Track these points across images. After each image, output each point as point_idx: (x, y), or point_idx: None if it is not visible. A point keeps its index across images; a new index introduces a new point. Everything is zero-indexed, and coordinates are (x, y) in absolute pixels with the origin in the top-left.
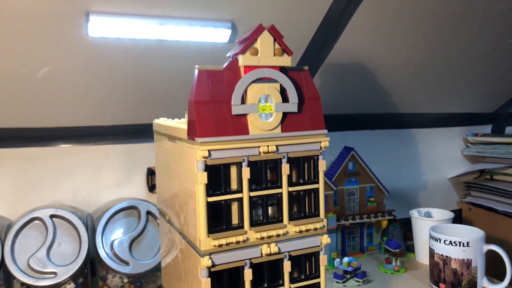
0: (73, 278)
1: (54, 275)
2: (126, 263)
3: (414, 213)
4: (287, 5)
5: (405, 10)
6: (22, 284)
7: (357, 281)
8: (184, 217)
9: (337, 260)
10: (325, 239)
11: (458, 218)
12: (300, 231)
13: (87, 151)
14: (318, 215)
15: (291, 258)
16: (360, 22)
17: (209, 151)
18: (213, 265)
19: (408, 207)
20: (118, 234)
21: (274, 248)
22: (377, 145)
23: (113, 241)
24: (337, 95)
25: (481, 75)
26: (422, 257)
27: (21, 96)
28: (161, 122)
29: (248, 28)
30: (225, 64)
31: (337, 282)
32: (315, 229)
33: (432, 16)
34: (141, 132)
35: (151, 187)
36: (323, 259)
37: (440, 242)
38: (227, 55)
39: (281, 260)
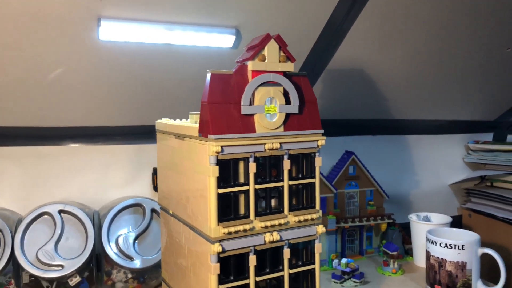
0: (79, 271)
1: (61, 268)
2: (131, 258)
3: (412, 217)
4: (290, 11)
5: (405, 19)
6: (31, 276)
7: (354, 281)
8: (193, 209)
9: (336, 261)
10: (320, 229)
11: (459, 224)
12: (299, 221)
13: (96, 151)
14: (314, 206)
15: (290, 245)
16: (361, 29)
17: (222, 147)
18: (223, 251)
19: (408, 212)
20: (123, 230)
21: (276, 236)
22: (379, 150)
23: (118, 237)
24: (339, 101)
25: (481, 83)
26: (420, 260)
27: (34, 96)
28: (166, 121)
29: (251, 34)
30: (234, 69)
31: (335, 282)
32: (312, 219)
33: (432, 25)
34: (148, 133)
35: (156, 187)
36: (318, 247)
37: (436, 245)
38: (236, 61)
39: (282, 247)
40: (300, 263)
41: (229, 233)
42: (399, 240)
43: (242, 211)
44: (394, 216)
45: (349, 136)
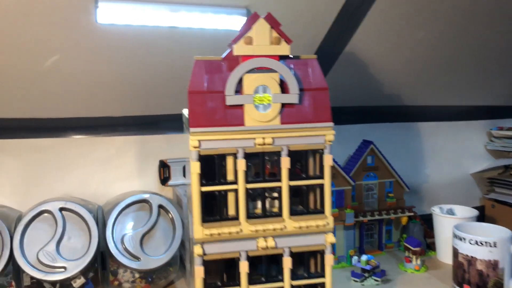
0: (83, 273)
1: (63, 270)
2: (137, 258)
3: (435, 210)
4: None
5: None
6: (32, 278)
7: (375, 280)
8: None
9: (355, 258)
10: (330, 238)
11: (481, 215)
12: (300, 227)
13: (98, 142)
14: (323, 212)
15: (292, 254)
16: (382, 10)
17: (199, 141)
18: (205, 254)
19: (428, 203)
20: (128, 229)
21: (271, 242)
22: (397, 138)
23: (123, 236)
24: (356, 86)
25: (504, 66)
26: (444, 255)
27: (30, 86)
28: (184, 112)
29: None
30: (224, 54)
31: (355, 280)
32: (317, 226)
33: (459, 5)
34: (154, 124)
35: (163, 180)
36: (328, 259)
37: (464, 242)
38: (228, 44)
39: (281, 255)
40: (306, 275)
41: (212, 235)
42: (421, 234)
43: (231, 212)
44: (414, 208)
45: (366, 123)
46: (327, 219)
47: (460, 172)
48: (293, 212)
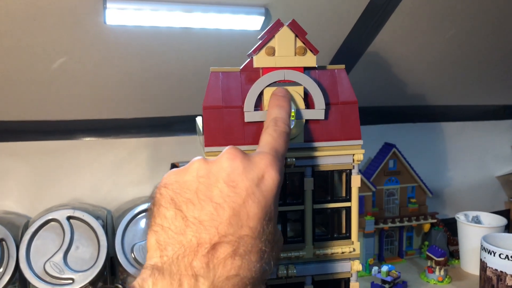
0: (92, 283)
1: (71, 281)
2: None
3: (460, 217)
4: None
5: None
6: None
7: None
8: None
9: (375, 268)
10: (356, 265)
11: (506, 219)
12: (324, 254)
13: (108, 145)
14: (349, 237)
15: (314, 283)
16: (410, 8)
17: None
18: None
19: (451, 207)
20: (139, 238)
21: (291, 271)
22: (419, 139)
23: (134, 246)
24: (378, 86)
25: None
26: (469, 266)
27: (37, 89)
28: (198, 121)
29: (282, 13)
30: (243, 65)
31: None
32: (343, 253)
33: (491, 2)
34: (166, 125)
35: None
36: (354, 287)
37: (494, 256)
38: (247, 54)
39: (302, 284)
40: None
41: None
42: (444, 241)
43: None
44: (437, 215)
45: (388, 124)
46: (354, 245)
47: (485, 175)
48: (316, 238)
